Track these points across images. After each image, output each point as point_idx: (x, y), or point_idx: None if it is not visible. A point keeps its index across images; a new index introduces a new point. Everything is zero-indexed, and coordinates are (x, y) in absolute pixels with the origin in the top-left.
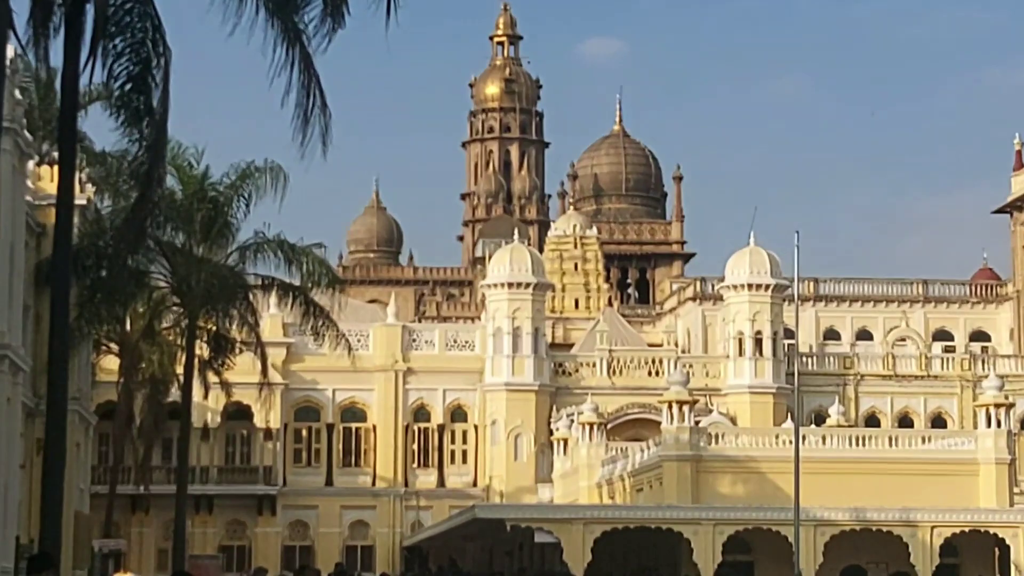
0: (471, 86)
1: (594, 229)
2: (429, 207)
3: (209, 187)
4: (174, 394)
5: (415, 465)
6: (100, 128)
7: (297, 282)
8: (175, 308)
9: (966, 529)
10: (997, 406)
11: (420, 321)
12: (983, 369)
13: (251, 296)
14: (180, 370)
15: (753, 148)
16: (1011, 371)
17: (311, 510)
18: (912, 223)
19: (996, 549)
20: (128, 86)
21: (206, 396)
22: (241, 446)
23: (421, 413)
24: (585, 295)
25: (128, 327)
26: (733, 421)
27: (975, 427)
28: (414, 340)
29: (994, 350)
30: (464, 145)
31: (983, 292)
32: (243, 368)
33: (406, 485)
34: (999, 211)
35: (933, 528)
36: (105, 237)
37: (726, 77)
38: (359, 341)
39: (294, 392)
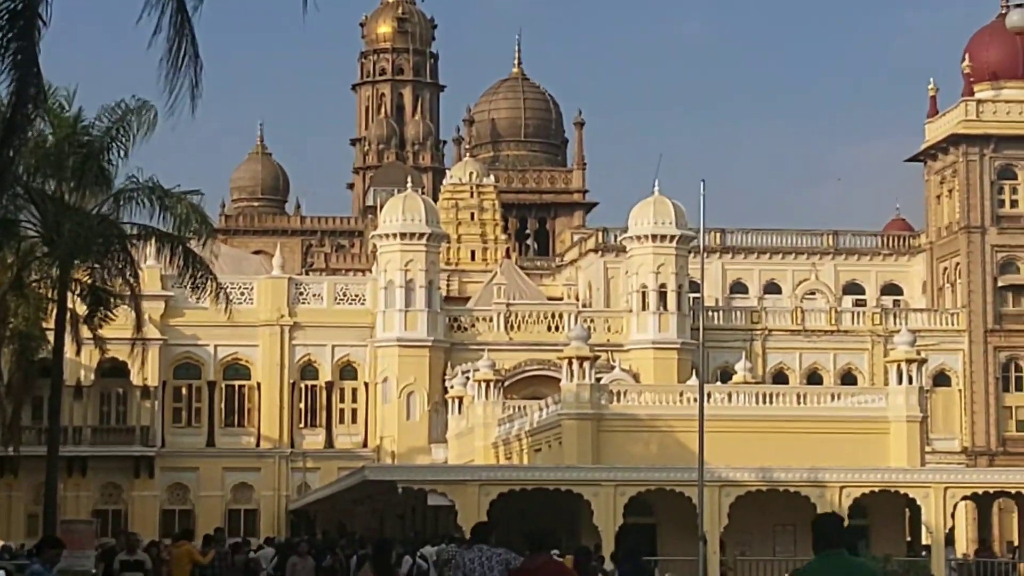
0: (362, 25)
1: (491, 177)
2: (317, 153)
3: (82, 131)
4: (45, 350)
5: (302, 425)
6: None
7: (171, 231)
8: (45, 259)
9: (876, 489)
10: (909, 362)
11: (307, 273)
12: (895, 324)
13: (131, 244)
14: (51, 324)
15: (658, 94)
16: (923, 326)
17: (191, 472)
18: (823, 172)
19: (907, 510)
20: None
21: (78, 352)
22: (116, 405)
23: (308, 370)
24: (482, 246)
25: None
26: (636, 378)
27: (886, 384)
28: (301, 293)
29: (906, 304)
30: (354, 88)
31: (895, 244)
32: (118, 323)
33: (292, 446)
34: (912, 159)
35: (842, 488)
36: None
37: (629, 19)
38: (242, 294)
39: (173, 348)
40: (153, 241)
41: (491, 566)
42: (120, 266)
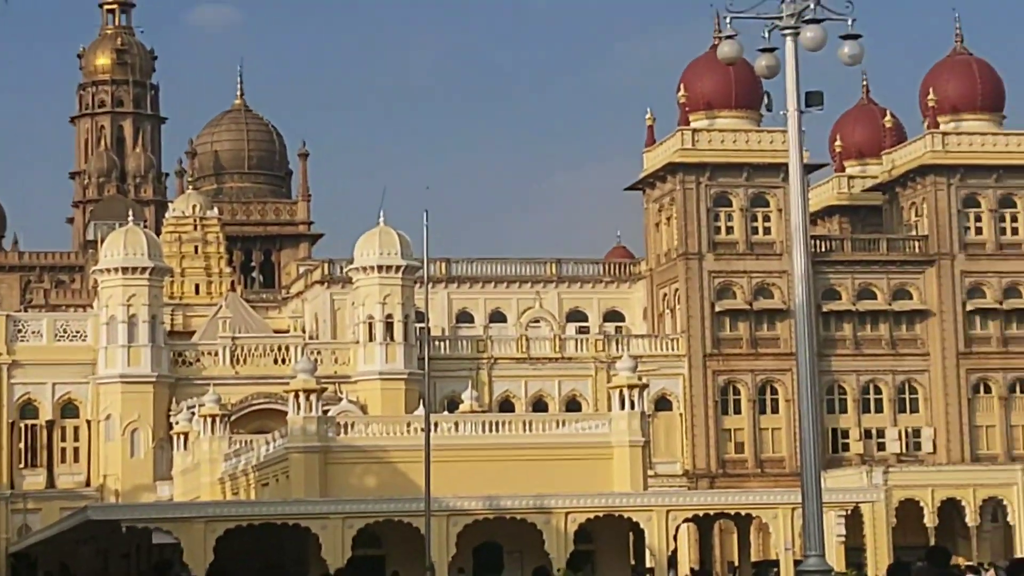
0: (80, 57)
1: (215, 209)
2: (35, 186)
3: None
4: None
5: (21, 465)
6: None
7: None
8: None
9: (600, 514)
10: (630, 387)
11: (26, 310)
12: (617, 350)
13: None
14: None
15: (381, 125)
16: (645, 351)
17: None
18: (546, 201)
19: (631, 533)
20: None
21: None
22: None
23: (28, 409)
24: (206, 279)
25: None
26: (364, 409)
27: (609, 409)
28: (20, 330)
29: (628, 330)
30: (73, 120)
31: (616, 271)
32: None
33: (12, 487)
34: (631, 187)
35: (567, 514)
36: None
37: (351, 52)
38: None
39: None
40: None
41: None
42: None
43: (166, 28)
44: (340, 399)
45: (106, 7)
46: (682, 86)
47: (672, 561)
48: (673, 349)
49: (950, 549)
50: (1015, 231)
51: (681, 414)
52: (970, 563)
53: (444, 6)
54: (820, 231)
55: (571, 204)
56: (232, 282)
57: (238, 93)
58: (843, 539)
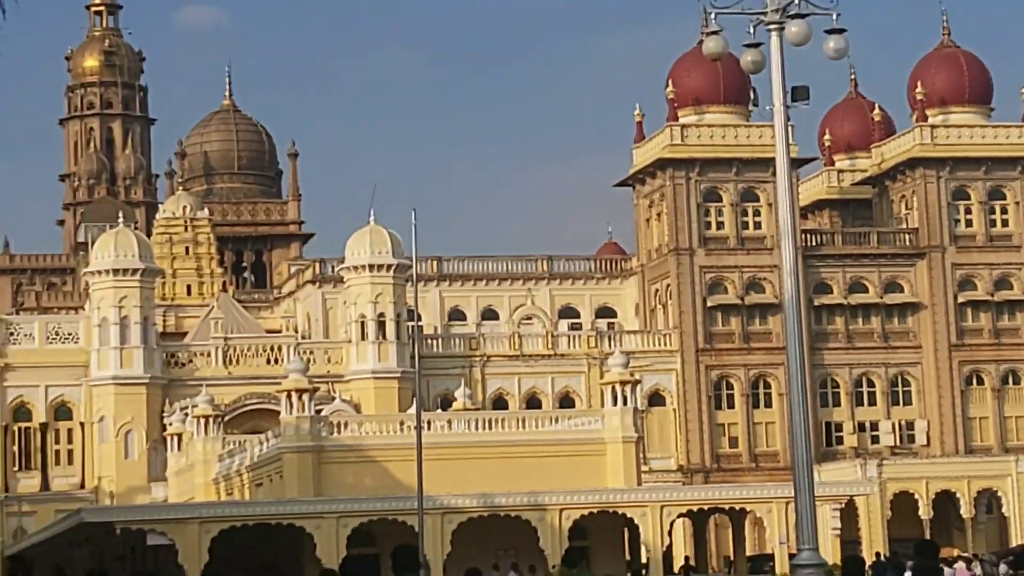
0: (68, 59)
1: (205, 210)
2: (25, 189)
3: None
4: None
5: (16, 468)
6: None
7: None
8: None
9: (594, 510)
10: (623, 383)
11: (18, 313)
12: (609, 346)
13: None
14: None
15: (370, 124)
16: (636, 347)
17: None
18: (537, 197)
19: (625, 529)
20: None
21: None
22: None
23: (21, 412)
24: (198, 280)
25: None
26: (357, 408)
27: (602, 405)
28: (12, 333)
29: (620, 326)
30: (62, 122)
31: (607, 267)
32: None
33: (7, 490)
34: (621, 183)
35: (562, 511)
36: None
37: (338, 51)
38: None
39: None
40: None
41: None
42: None
43: (154, 29)
44: (333, 398)
45: (93, 9)
46: (670, 82)
47: (667, 556)
48: (665, 344)
49: (943, 541)
50: (1005, 223)
51: (674, 409)
52: (964, 554)
53: (431, 3)
54: (810, 225)
55: (561, 200)
56: (224, 282)
57: (227, 93)
58: (838, 532)
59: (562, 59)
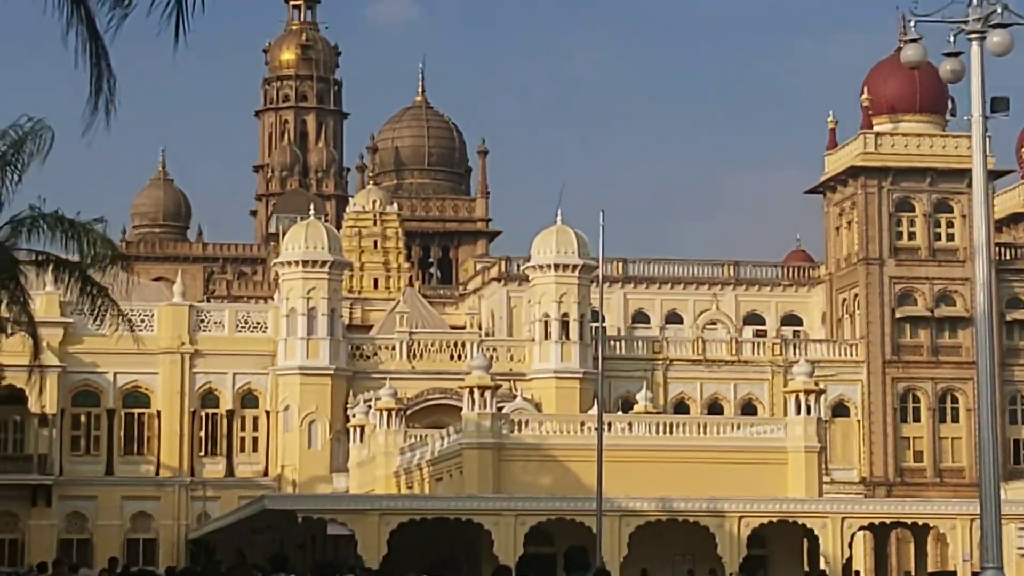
0: (265, 52)
1: (395, 205)
2: (220, 180)
3: None
4: None
5: (202, 453)
6: None
7: (75, 258)
8: None
9: (774, 519)
10: (807, 392)
11: (209, 300)
12: (794, 354)
13: (21, 272)
14: None
15: (560, 124)
16: (822, 356)
17: (89, 501)
18: (725, 203)
19: (805, 540)
20: None
21: None
22: (14, 433)
23: (209, 398)
24: (385, 274)
25: None
26: (538, 407)
27: (785, 414)
28: (202, 321)
29: (805, 334)
30: (258, 114)
31: (795, 275)
32: (15, 350)
33: (192, 474)
34: (812, 191)
35: (741, 519)
36: None
37: (531, 49)
38: (143, 321)
39: (72, 375)
40: (51, 268)
41: None
42: (13, 292)
43: (349, 24)
44: (515, 396)
45: (292, 3)
46: (865, 89)
47: (847, 569)
48: (852, 355)
49: None
50: None
51: (859, 420)
52: None
53: (623, 5)
54: (1005, 238)
55: (750, 206)
56: (410, 277)
57: (419, 90)
58: (1023, 552)
59: (755, 63)
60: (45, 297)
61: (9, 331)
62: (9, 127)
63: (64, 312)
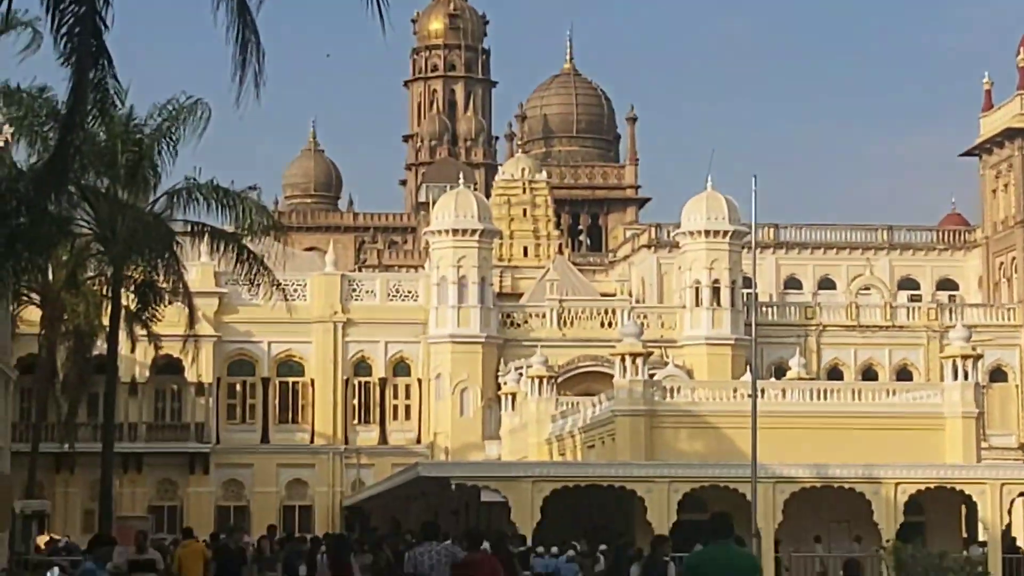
0: (414, 21)
1: (544, 173)
2: (370, 149)
3: (134, 128)
4: (100, 347)
5: (355, 421)
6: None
7: (230, 228)
8: (99, 256)
9: (931, 486)
10: (964, 357)
11: (360, 270)
12: (950, 319)
13: (176, 244)
14: (106, 321)
15: (709, 88)
16: (979, 321)
17: (246, 469)
18: (877, 166)
19: (963, 506)
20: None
21: (133, 349)
22: (171, 401)
23: (362, 366)
24: (535, 242)
25: (50, 277)
26: (689, 374)
27: (941, 379)
28: (354, 290)
29: (962, 299)
30: (406, 84)
31: (950, 238)
32: (172, 320)
33: (346, 442)
34: (967, 153)
35: (897, 485)
36: (25, 181)
37: (680, 14)
38: (296, 291)
39: (227, 345)
40: (207, 238)
41: (439, 560)
42: (172, 263)
43: None
44: (666, 363)
45: None
46: (1022, 49)
47: (1006, 535)
48: (1009, 319)
49: None
50: None
51: (1017, 386)
52: None
53: None
54: None
55: (903, 169)
56: (560, 245)
57: (567, 57)
58: None
59: (909, 24)
60: (200, 267)
61: (166, 302)
62: (167, 102)
63: (219, 283)
